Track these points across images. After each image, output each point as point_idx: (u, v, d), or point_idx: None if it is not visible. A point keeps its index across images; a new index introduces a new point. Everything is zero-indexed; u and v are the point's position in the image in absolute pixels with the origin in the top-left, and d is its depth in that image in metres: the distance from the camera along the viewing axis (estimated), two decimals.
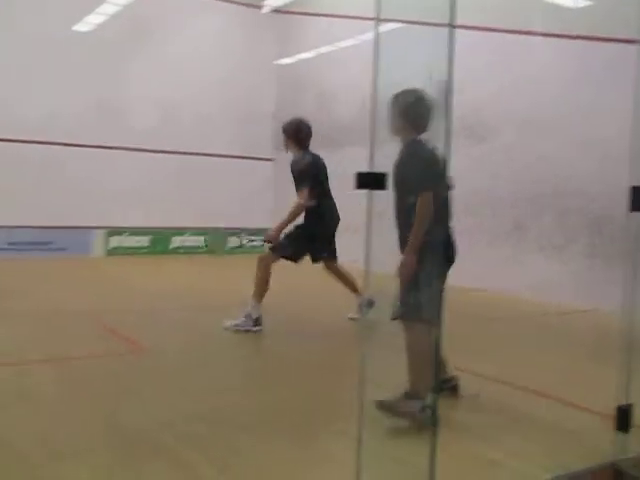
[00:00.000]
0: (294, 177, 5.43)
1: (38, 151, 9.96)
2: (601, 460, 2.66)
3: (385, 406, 2.96)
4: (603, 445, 2.72)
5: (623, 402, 2.68)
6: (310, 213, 5.20)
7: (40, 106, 9.75)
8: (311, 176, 5.22)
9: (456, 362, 3.51)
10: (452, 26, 1.82)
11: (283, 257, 5.08)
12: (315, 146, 7.74)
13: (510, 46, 7.60)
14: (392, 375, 3.08)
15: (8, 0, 9.74)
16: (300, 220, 5.21)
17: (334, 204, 5.32)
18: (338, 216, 5.34)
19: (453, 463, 2.59)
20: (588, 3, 7.07)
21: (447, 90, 1.92)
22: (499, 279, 7.47)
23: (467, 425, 3.12)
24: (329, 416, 3.17)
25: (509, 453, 2.76)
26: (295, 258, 5.16)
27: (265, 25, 12.02)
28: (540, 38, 7.11)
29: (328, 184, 5.35)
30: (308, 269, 5.56)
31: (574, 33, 6.85)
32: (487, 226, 7.99)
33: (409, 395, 3.01)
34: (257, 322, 4.93)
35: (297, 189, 5.30)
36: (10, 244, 9.91)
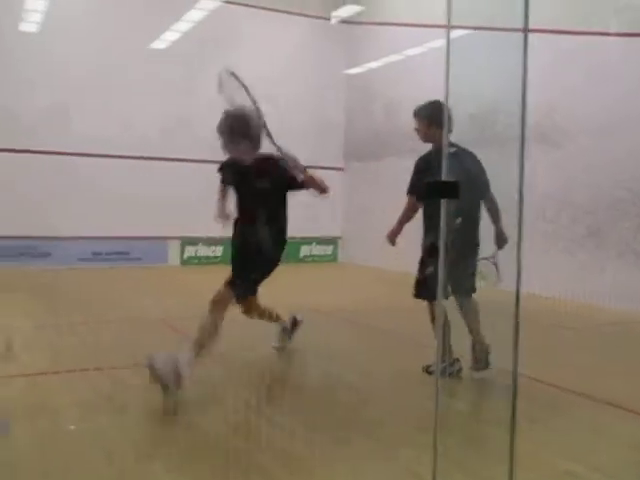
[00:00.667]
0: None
1: (116, 165, 10.37)
2: None
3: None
4: None
5: None
6: None
7: (116, 120, 10.18)
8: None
9: (532, 373, 3.45)
10: (526, 31, 1.81)
11: None
12: (384, 154, 7.92)
13: (583, 48, 7.41)
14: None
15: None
16: None
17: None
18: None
19: (531, 475, 2.56)
20: None
21: (523, 97, 1.90)
22: (576, 286, 7.27)
23: (546, 437, 3.06)
24: (403, 425, 3.17)
25: (589, 466, 2.70)
26: None
27: (334, 36, 12.12)
28: (614, 38, 6.91)
29: None
30: None
31: None
32: (563, 232, 7.79)
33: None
34: None
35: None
36: (94, 254, 10.43)
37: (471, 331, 3.91)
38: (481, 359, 3.88)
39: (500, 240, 3.99)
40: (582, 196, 7.58)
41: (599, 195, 7.39)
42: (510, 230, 3.81)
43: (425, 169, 3.86)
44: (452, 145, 3.72)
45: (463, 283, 3.88)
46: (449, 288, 3.52)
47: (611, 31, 6.90)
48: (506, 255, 3.74)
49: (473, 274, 3.96)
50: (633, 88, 6.89)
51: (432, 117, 3.90)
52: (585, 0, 7.14)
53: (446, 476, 2.12)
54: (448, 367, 3.79)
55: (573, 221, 7.71)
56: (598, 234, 7.43)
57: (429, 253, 3.85)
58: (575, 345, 5.22)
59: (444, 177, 1.89)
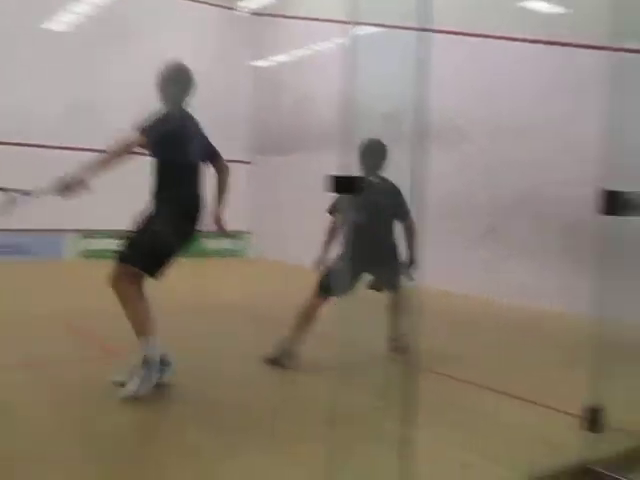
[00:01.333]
0: None
1: (13, 152, 9.83)
2: (573, 461, 2.69)
3: None
4: (576, 447, 2.75)
5: (595, 404, 2.71)
6: None
7: (10, 107, 9.63)
8: None
9: (434, 366, 3.53)
10: (425, 30, 1.83)
11: None
12: (293, 149, 7.88)
13: (485, 51, 7.67)
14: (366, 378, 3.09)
15: None
16: None
17: None
18: None
19: (426, 466, 2.60)
20: (563, 10, 7.16)
21: (421, 97, 1.92)
22: (475, 283, 7.53)
23: (442, 429, 3.13)
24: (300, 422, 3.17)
25: (483, 455, 2.78)
26: None
27: (242, 27, 11.98)
28: (516, 43, 7.18)
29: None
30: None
31: (550, 39, 6.93)
32: (464, 230, 8.03)
33: None
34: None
35: None
36: None
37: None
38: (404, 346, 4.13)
39: (411, 264, 4.36)
40: (482, 196, 7.84)
41: (498, 195, 7.67)
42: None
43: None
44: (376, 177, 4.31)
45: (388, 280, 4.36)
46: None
47: (516, 36, 7.16)
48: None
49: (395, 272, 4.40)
50: (533, 93, 7.19)
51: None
52: (490, 4, 7.35)
53: (340, 469, 2.13)
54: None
55: (474, 219, 7.96)
56: (496, 232, 7.71)
57: None
58: (476, 339, 5.40)
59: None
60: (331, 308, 3.92)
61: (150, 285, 3.55)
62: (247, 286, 8.24)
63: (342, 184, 1.89)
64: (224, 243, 11.83)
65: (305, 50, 10.95)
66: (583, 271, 6.40)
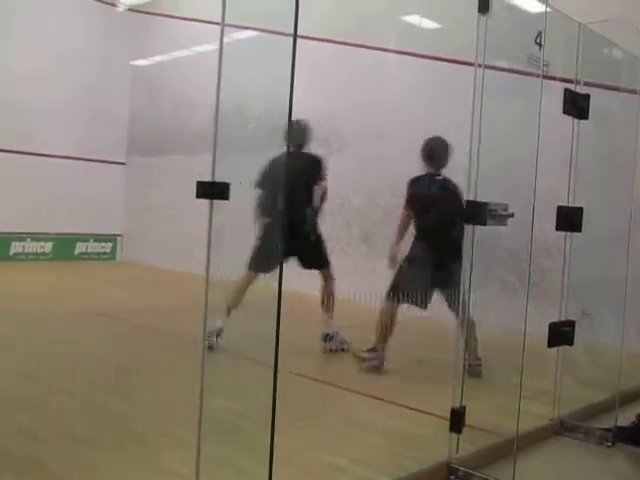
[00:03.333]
0: None
1: None
2: (437, 460, 2.79)
3: None
4: (439, 446, 2.86)
5: (457, 405, 2.83)
6: None
7: None
8: None
9: (294, 368, 3.55)
10: (295, 36, 1.83)
11: None
12: (172, 152, 7.66)
13: (368, 62, 7.86)
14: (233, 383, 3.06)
15: None
16: None
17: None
18: None
19: (297, 472, 2.61)
20: (437, 25, 7.49)
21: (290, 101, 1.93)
22: (350, 286, 7.65)
23: (312, 435, 3.15)
24: (168, 427, 3.07)
25: (352, 459, 2.82)
26: None
27: (120, 24, 11.55)
28: (397, 56, 7.42)
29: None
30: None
31: (428, 53, 7.22)
32: (340, 234, 8.18)
33: None
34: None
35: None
36: None
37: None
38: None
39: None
40: (357, 199, 8.03)
41: (372, 199, 7.88)
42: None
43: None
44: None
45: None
46: None
47: (389, 47, 7.39)
48: None
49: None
50: (404, 98, 7.43)
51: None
52: (375, 17, 7.53)
53: (209, 475, 2.09)
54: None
55: (348, 224, 8.13)
56: (370, 236, 7.91)
57: None
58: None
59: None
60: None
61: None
62: (111, 290, 7.91)
63: (206, 190, 1.85)
64: (93, 246, 11.36)
65: (186, 51, 10.74)
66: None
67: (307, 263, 4.97)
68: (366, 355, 4.47)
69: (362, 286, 7.50)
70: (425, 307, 4.49)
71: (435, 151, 4.67)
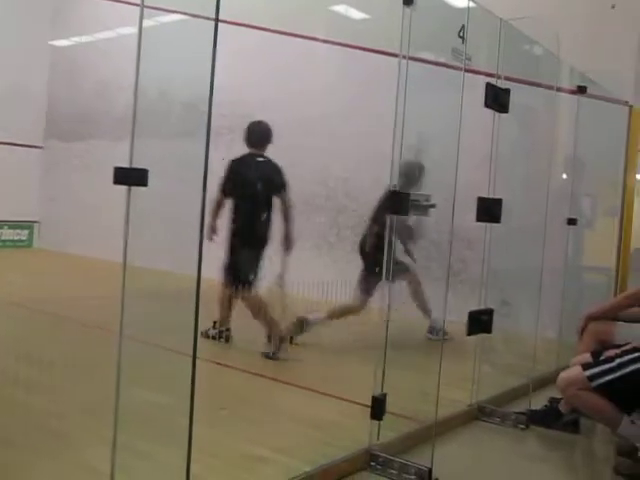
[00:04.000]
0: None
1: None
2: (358, 447, 2.82)
3: None
4: (361, 433, 2.89)
5: (378, 392, 2.86)
6: None
7: None
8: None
9: (226, 360, 3.52)
10: (217, 20, 1.79)
11: None
12: (93, 137, 7.30)
13: (298, 51, 7.81)
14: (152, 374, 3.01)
15: None
16: None
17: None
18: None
19: (215, 461, 2.59)
20: (364, 15, 7.53)
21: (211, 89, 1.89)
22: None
23: (233, 424, 3.13)
24: (87, 422, 2.99)
25: (274, 449, 2.82)
26: None
27: (41, 2, 11.06)
28: (327, 46, 7.42)
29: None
30: None
31: (354, 43, 7.24)
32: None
33: None
34: None
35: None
36: None
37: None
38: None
39: (287, 242, 4.86)
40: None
41: (298, 190, 7.86)
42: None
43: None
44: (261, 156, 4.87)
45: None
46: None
47: (316, 35, 7.38)
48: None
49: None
50: (330, 88, 7.44)
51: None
52: (300, 6, 7.49)
53: (126, 468, 2.03)
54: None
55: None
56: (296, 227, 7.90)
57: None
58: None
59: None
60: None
61: None
62: (26, 278, 7.61)
63: (123, 176, 1.80)
64: (8, 233, 10.90)
65: (109, 32, 10.39)
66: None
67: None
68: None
69: (290, 277, 7.53)
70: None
71: (254, 133, 4.89)
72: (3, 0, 10.56)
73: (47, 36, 11.21)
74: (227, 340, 4.75)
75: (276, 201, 4.81)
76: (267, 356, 4.47)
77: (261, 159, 4.88)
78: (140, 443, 2.54)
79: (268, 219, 4.78)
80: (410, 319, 5.02)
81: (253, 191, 4.66)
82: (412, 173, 4.62)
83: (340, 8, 7.80)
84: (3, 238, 10.86)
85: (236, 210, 4.66)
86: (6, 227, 10.85)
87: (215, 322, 4.77)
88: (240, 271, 4.62)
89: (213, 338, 4.68)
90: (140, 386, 2.98)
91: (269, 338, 4.56)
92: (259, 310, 4.60)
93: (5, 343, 4.31)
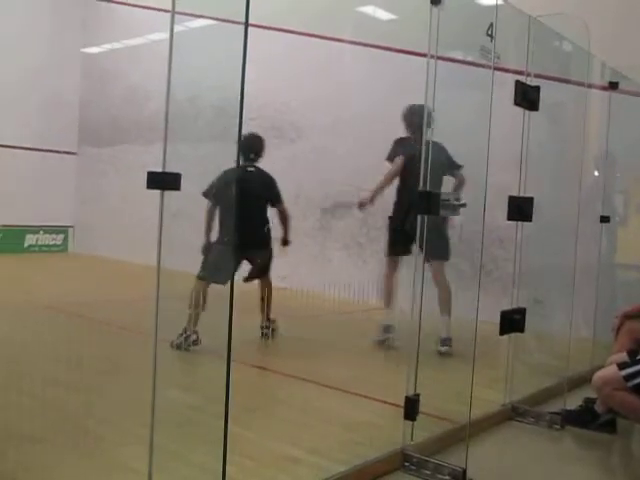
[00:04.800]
0: None
1: None
2: (392, 447, 2.82)
3: None
4: (394, 434, 2.89)
5: (411, 393, 2.86)
6: None
7: None
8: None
9: (255, 361, 3.55)
10: (246, 25, 1.81)
11: None
12: (125, 142, 7.40)
13: (325, 53, 7.83)
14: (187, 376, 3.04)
15: None
16: None
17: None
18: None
19: (250, 462, 2.61)
20: (392, 16, 7.52)
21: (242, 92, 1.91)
22: (307, 277, 7.67)
23: (267, 425, 3.15)
24: (123, 422, 3.03)
25: (309, 450, 2.83)
26: None
27: (72, 10, 11.25)
28: (351, 46, 7.42)
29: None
30: None
31: (382, 44, 7.23)
32: (296, 225, 8.16)
33: None
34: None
35: None
36: None
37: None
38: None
39: (284, 244, 5.19)
40: (313, 190, 8.02)
41: (328, 190, 7.89)
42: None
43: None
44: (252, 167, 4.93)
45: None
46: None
47: (343, 37, 7.38)
48: None
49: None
50: (359, 90, 7.45)
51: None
52: (330, 9, 7.51)
53: (162, 468, 2.07)
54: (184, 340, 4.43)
55: (304, 215, 8.12)
56: (327, 227, 7.93)
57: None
58: (302, 333, 5.49)
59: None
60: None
61: None
62: (62, 282, 7.75)
63: (157, 180, 1.83)
64: (44, 238, 11.11)
65: (139, 39, 10.53)
66: (404, 267, 6.78)
67: (253, 275, 5.03)
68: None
69: (318, 276, 7.56)
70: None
71: (245, 146, 4.84)
72: (35, 8, 10.78)
73: (79, 43, 11.40)
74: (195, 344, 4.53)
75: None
76: None
77: (252, 169, 4.95)
78: (176, 444, 2.57)
79: (261, 226, 4.98)
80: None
81: (243, 200, 4.64)
82: (411, 118, 4.78)
83: (367, 9, 7.80)
84: (39, 243, 11.07)
85: (224, 218, 4.69)
86: (42, 232, 11.06)
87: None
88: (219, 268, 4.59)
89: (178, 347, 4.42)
90: (175, 387, 3.04)
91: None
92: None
93: (43, 346, 4.41)
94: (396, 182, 4.98)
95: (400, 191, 4.98)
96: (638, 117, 5.34)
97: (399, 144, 5.00)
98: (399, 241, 4.75)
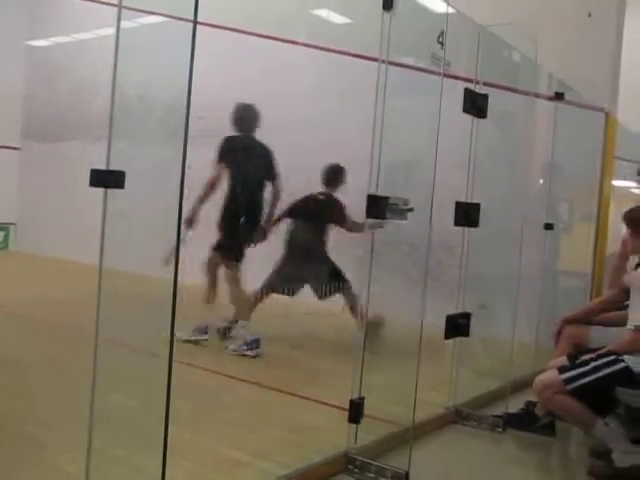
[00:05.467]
0: None
1: None
2: (336, 450, 2.83)
3: None
4: (339, 437, 2.89)
5: (356, 396, 2.86)
6: None
7: None
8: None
9: (204, 364, 3.50)
10: (195, 22, 1.79)
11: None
12: (71, 138, 7.04)
13: (278, 55, 7.81)
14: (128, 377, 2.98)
15: None
16: None
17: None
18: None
19: (192, 464, 2.57)
20: (346, 20, 7.56)
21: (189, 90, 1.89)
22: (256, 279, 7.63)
23: (211, 428, 3.11)
24: (62, 426, 2.95)
25: (253, 453, 2.81)
26: None
27: (17, 1, 10.94)
28: (307, 49, 7.43)
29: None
30: None
31: (335, 47, 7.26)
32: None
33: None
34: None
35: None
36: None
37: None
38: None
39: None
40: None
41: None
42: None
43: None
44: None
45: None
46: None
47: (296, 39, 7.38)
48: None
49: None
50: (311, 92, 7.45)
51: None
52: (285, 10, 7.50)
53: (100, 472, 2.02)
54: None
55: None
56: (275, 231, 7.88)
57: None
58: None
59: None
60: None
61: None
62: (1, 281, 7.50)
63: (100, 178, 1.79)
64: None
65: (86, 33, 10.33)
66: (354, 270, 6.80)
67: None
68: None
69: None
70: None
71: (243, 117, 4.98)
72: None
73: (23, 36, 11.09)
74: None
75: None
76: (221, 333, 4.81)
77: (257, 141, 4.97)
78: (115, 447, 2.51)
79: (261, 198, 4.92)
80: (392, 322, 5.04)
81: (253, 165, 4.79)
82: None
83: (322, 12, 7.82)
84: None
85: (235, 182, 4.72)
86: None
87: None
88: (234, 244, 4.76)
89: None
90: (116, 390, 2.96)
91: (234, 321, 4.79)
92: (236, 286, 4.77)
93: None
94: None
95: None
96: (582, 128, 5.50)
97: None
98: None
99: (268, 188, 5.01)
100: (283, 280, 5.02)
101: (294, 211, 5.14)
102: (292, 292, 5.01)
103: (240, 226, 4.74)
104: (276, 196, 4.99)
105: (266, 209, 4.99)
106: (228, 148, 4.73)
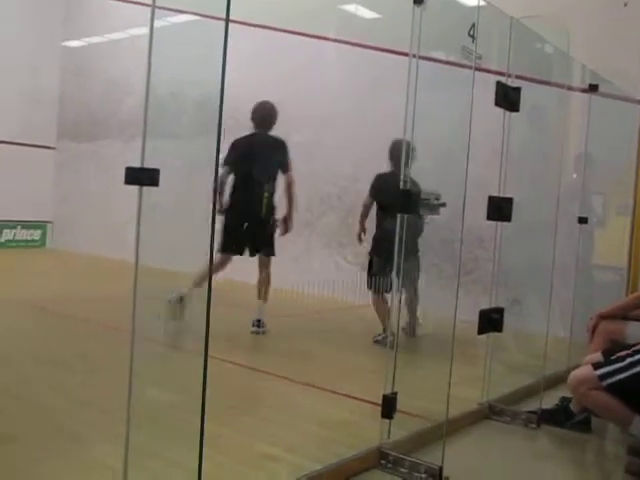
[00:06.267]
0: None
1: None
2: (369, 445, 2.83)
3: None
4: (372, 432, 2.89)
5: (389, 391, 2.87)
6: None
7: None
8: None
9: (237, 359, 3.54)
10: (227, 21, 1.80)
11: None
12: (101, 136, 7.12)
13: (308, 52, 7.81)
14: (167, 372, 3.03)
15: None
16: None
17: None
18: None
19: (226, 459, 2.60)
20: (375, 15, 7.53)
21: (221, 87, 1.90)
22: (290, 276, 7.66)
23: (246, 423, 3.14)
24: (99, 420, 3.01)
25: (286, 448, 2.83)
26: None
27: (53, 3, 11.12)
28: (337, 45, 7.42)
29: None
30: None
31: (365, 42, 7.24)
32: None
33: None
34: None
35: None
36: None
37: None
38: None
39: (285, 224, 5.21)
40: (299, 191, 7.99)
41: (309, 189, 7.87)
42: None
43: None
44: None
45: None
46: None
47: (327, 35, 7.38)
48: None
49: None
50: (342, 88, 7.45)
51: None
52: (314, 7, 7.50)
53: (138, 465, 2.06)
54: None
55: None
56: (310, 226, 7.92)
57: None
58: (285, 331, 5.48)
59: None
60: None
61: None
62: (39, 279, 7.66)
63: (135, 176, 1.82)
64: (21, 233, 10.97)
65: (119, 33, 10.44)
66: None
67: (256, 247, 5.08)
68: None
69: (301, 275, 7.54)
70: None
71: (258, 113, 5.20)
72: (15, 1, 10.65)
73: (59, 37, 11.27)
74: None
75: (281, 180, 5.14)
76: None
77: (266, 136, 5.10)
78: (152, 441, 2.55)
79: (271, 194, 5.03)
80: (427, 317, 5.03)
81: (258, 165, 4.90)
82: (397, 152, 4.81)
83: (350, 7, 7.80)
84: (17, 238, 10.94)
85: (243, 183, 4.93)
86: (19, 227, 10.93)
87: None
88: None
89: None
90: (153, 385, 3.01)
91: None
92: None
93: (19, 343, 4.36)
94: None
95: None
96: (617, 120, 5.41)
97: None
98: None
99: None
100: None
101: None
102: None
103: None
104: (290, 189, 5.20)
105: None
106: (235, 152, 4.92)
